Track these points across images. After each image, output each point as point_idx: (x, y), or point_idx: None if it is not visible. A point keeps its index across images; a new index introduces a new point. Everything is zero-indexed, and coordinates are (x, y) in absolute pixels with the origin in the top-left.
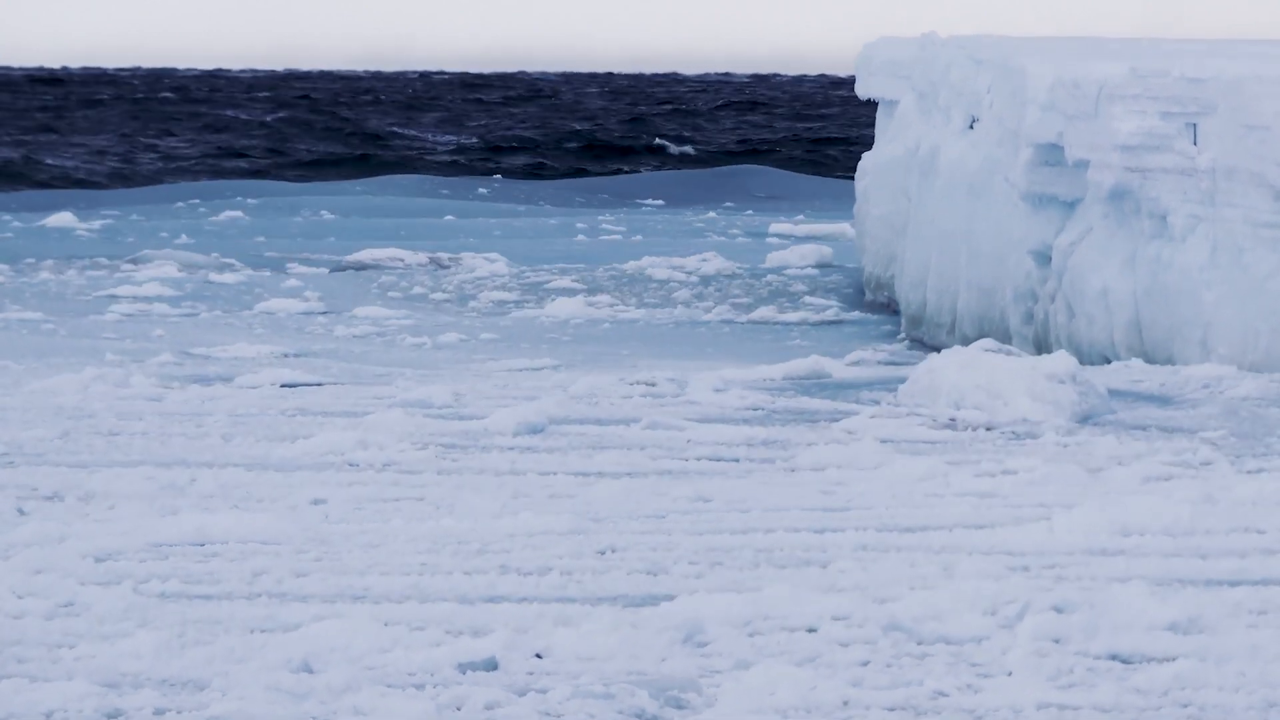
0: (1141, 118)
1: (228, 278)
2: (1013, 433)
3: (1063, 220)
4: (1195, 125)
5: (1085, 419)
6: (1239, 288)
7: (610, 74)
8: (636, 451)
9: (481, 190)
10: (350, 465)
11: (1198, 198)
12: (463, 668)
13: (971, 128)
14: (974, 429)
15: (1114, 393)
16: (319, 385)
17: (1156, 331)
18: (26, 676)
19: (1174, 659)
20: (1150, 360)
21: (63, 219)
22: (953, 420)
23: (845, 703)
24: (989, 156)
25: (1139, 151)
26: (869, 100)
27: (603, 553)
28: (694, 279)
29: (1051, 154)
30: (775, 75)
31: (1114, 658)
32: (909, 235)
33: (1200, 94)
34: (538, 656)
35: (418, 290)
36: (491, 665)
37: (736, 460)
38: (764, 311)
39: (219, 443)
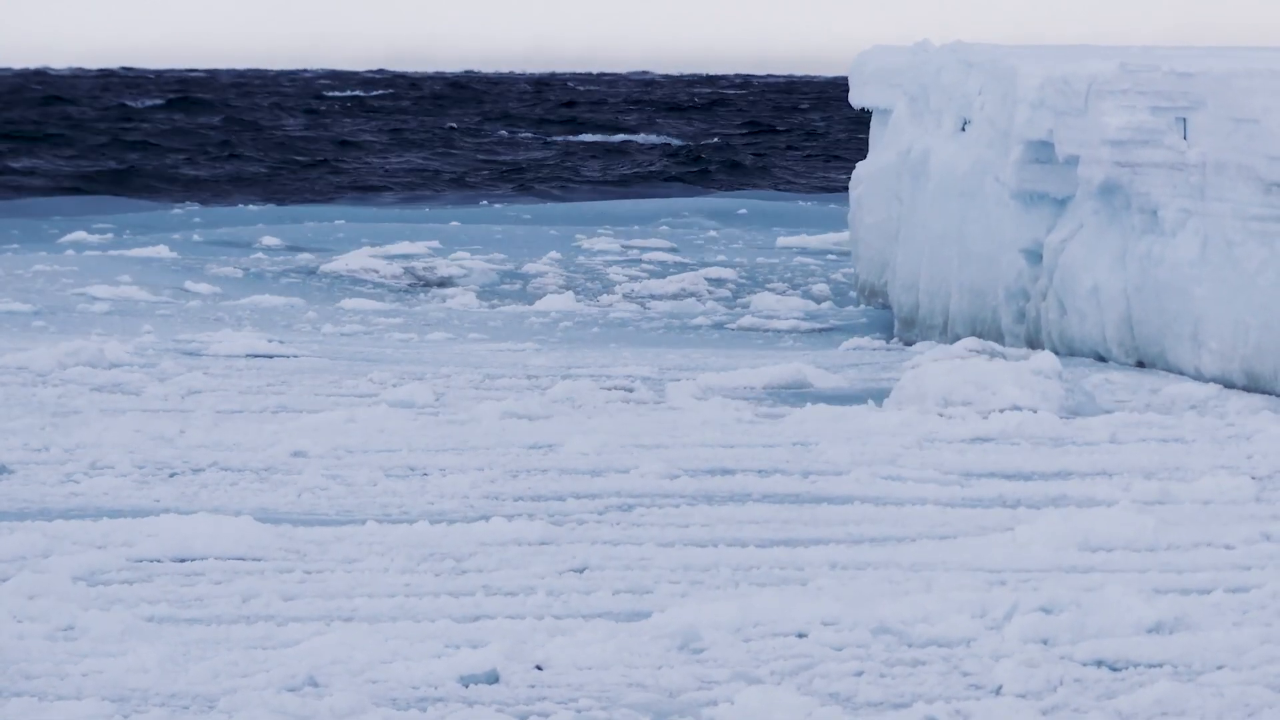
0: (1131, 113)
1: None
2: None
3: (1054, 218)
4: (1185, 120)
5: (1073, 414)
6: (1229, 282)
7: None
8: None
9: None
10: None
11: (1188, 192)
12: (464, 680)
13: (963, 130)
14: (964, 419)
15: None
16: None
17: (1147, 328)
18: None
19: (1160, 664)
20: (1142, 356)
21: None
22: (941, 415)
23: None
24: (980, 158)
25: (1129, 146)
26: (862, 109)
27: None
28: None
29: (1042, 151)
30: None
31: (1100, 663)
32: (901, 238)
33: (1189, 88)
34: (538, 668)
35: None
36: (493, 678)
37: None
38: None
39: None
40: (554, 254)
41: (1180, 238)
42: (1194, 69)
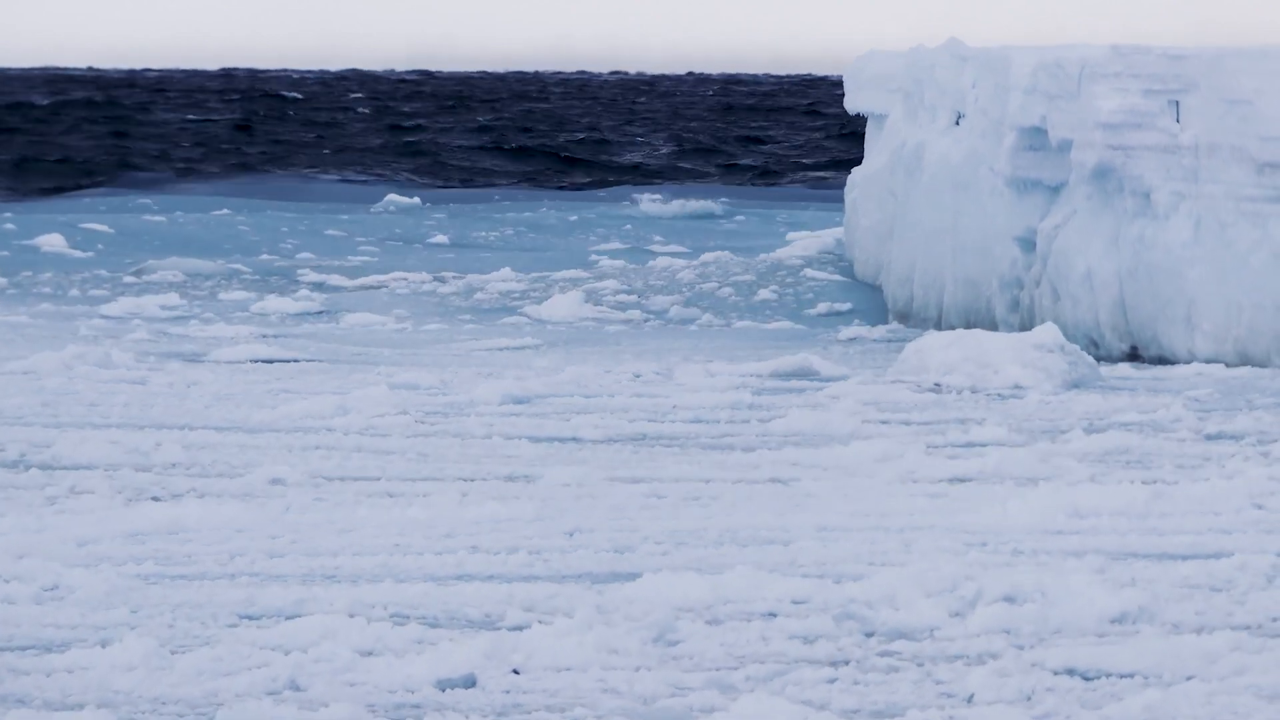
0: (1124, 96)
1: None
2: (998, 395)
3: (1047, 205)
4: (1177, 102)
5: (1075, 386)
6: (1222, 264)
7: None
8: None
9: None
10: None
11: (1180, 175)
12: (442, 685)
13: (957, 124)
14: (959, 392)
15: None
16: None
17: (1141, 311)
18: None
19: (1131, 675)
20: (1136, 340)
21: None
22: (937, 385)
23: None
24: (973, 149)
25: (1122, 129)
26: (858, 114)
27: None
28: None
29: (1035, 138)
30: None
31: (1073, 672)
32: (895, 232)
33: (1182, 71)
34: (515, 672)
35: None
36: (470, 682)
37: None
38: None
39: None
40: None
41: (1173, 220)
42: (1185, 51)
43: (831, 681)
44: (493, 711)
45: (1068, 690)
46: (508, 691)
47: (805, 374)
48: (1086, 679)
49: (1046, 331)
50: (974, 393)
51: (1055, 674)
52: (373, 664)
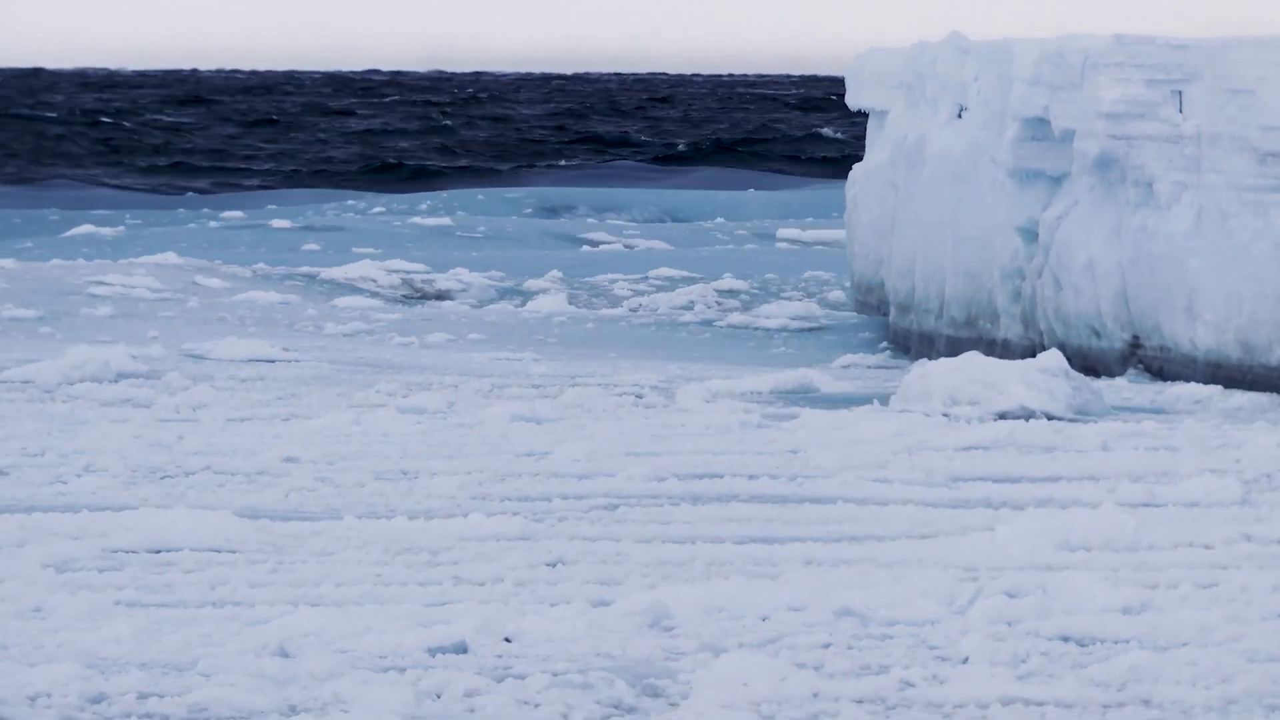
0: (1126, 85)
1: None
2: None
3: (1049, 195)
4: (1180, 92)
5: (1081, 412)
6: (1224, 254)
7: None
8: None
9: None
10: None
11: (1183, 165)
12: (432, 651)
13: (959, 117)
14: (969, 421)
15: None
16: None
17: (1142, 301)
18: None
19: (1127, 640)
20: (1137, 330)
21: None
22: (946, 416)
23: (815, 694)
24: (975, 140)
25: (1124, 119)
26: (859, 111)
27: None
28: None
29: (1038, 129)
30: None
31: (1067, 639)
32: (896, 224)
33: (1184, 60)
34: (507, 640)
35: None
36: (462, 649)
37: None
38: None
39: None
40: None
41: (1175, 210)
42: (1188, 40)
43: (826, 646)
44: (480, 672)
45: (1061, 655)
46: (499, 656)
47: (806, 391)
48: (1081, 645)
49: (1050, 357)
50: (981, 422)
51: (1049, 640)
52: (364, 636)
